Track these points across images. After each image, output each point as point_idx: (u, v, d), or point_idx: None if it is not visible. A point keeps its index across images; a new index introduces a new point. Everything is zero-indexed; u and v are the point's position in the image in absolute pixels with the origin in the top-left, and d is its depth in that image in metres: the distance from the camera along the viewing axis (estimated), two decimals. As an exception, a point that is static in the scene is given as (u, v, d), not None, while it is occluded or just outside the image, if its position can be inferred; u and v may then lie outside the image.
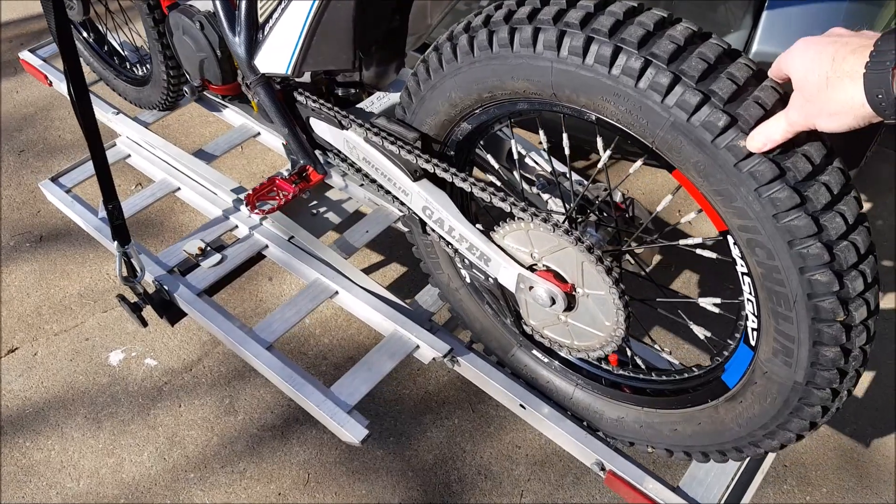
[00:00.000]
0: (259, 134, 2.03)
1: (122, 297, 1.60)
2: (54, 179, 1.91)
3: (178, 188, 1.88)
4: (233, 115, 2.07)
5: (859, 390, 1.81)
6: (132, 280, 1.59)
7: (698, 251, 1.02)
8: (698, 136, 0.81)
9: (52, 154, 2.58)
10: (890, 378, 1.84)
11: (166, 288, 1.61)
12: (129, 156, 1.98)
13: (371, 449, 1.73)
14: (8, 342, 1.98)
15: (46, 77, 2.20)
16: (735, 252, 0.90)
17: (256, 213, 1.45)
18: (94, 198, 2.27)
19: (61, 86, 2.18)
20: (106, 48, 2.10)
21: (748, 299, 0.93)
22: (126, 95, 2.09)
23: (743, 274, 0.91)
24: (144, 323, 1.63)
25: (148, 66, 1.97)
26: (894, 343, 1.91)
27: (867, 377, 1.84)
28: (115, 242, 1.54)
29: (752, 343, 0.96)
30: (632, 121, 0.86)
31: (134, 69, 2.06)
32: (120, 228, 1.54)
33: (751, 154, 0.79)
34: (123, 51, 2.09)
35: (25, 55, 2.27)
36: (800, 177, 0.79)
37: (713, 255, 1.01)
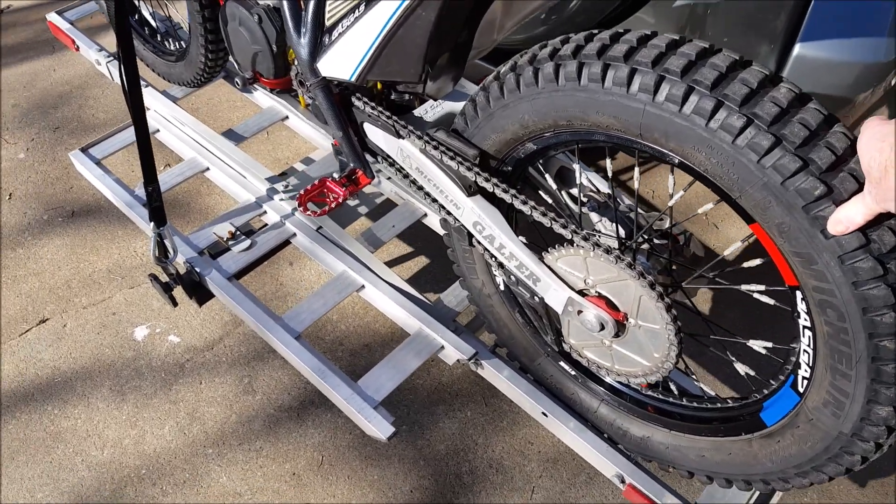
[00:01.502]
0: (287, 117, 1.94)
1: (153, 277, 1.53)
2: (84, 150, 1.80)
3: (208, 168, 1.79)
4: (262, 98, 1.97)
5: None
6: (164, 260, 1.52)
7: (756, 295, 0.99)
8: (790, 200, 0.77)
9: (87, 131, 2.47)
10: None
11: (197, 270, 1.54)
12: (158, 131, 1.88)
13: (384, 436, 1.70)
14: (39, 313, 1.90)
15: (74, 41, 2.06)
16: (801, 307, 0.87)
17: (310, 214, 1.38)
18: (123, 174, 2.17)
19: (89, 52, 2.04)
20: (137, 17, 1.96)
21: (805, 350, 0.91)
22: (155, 67, 1.96)
23: (804, 327, 0.89)
24: (175, 303, 1.56)
25: (182, 42, 1.85)
26: None
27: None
28: (152, 224, 1.46)
29: (801, 390, 0.94)
30: (721, 173, 0.82)
31: (165, 42, 1.93)
32: (157, 210, 1.46)
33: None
34: (155, 21, 1.96)
35: (53, 17, 2.12)
36: (885, 249, 0.76)
37: (772, 302, 0.98)
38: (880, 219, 0.75)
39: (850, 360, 0.83)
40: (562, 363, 1.33)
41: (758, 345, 1.02)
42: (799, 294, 0.86)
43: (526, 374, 1.41)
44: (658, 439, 1.20)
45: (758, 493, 1.24)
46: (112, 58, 2.00)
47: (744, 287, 0.97)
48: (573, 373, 1.32)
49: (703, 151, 0.82)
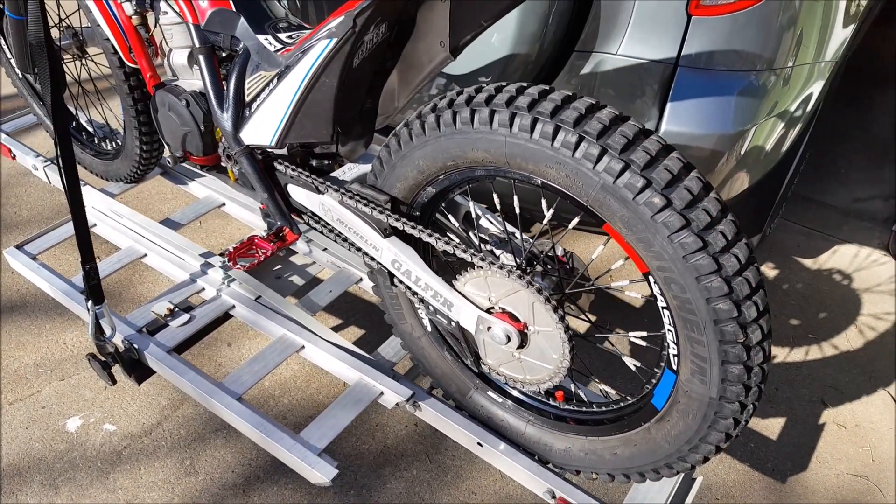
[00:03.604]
0: (224, 204, 2.16)
1: (92, 356, 1.66)
2: (19, 247, 1.96)
3: (145, 255, 1.97)
4: (198, 188, 2.20)
5: (775, 431, 2.03)
6: (102, 339, 1.66)
7: (627, 293, 1.22)
8: (622, 195, 1.02)
9: (9, 230, 2.62)
10: (801, 418, 2.07)
11: (136, 347, 1.68)
12: (95, 225, 2.07)
13: (332, 502, 1.80)
14: (-38, 413, 1.96)
15: (10, 151, 2.28)
16: (655, 289, 1.10)
17: (238, 268, 1.57)
18: (57, 266, 2.32)
19: (26, 158, 2.26)
20: (74, 124, 2.21)
21: (668, 329, 1.13)
22: (92, 169, 2.19)
23: (662, 308, 1.11)
24: (114, 381, 1.69)
25: (118, 141, 2.10)
26: (805, 389, 2.17)
27: (781, 419, 2.07)
28: (89, 302, 1.62)
29: (675, 367, 1.16)
30: (570, 184, 1.07)
31: (102, 144, 2.18)
32: (95, 289, 1.62)
33: (664, 208, 1.00)
34: (91, 127, 2.21)
35: (-10, 131, 2.35)
36: (702, 226, 1.01)
37: (638, 296, 1.21)
38: (696, 200, 1.01)
39: (699, 326, 1.06)
40: (490, 393, 1.52)
41: (636, 335, 1.24)
42: (651, 278, 1.10)
43: (461, 410, 1.58)
44: (578, 447, 1.38)
45: (672, 494, 1.41)
46: (50, 162, 2.22)
47: (613, 285, 1.20)
48: (500, 399, 1.50)
49: (554, 168, 1.07)
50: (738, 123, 1.67)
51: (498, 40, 1.66)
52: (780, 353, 2.28)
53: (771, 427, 2.05)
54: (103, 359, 1.68)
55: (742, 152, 1.72)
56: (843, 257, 2.71)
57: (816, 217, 2.91)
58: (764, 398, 2.09)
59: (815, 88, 1.84)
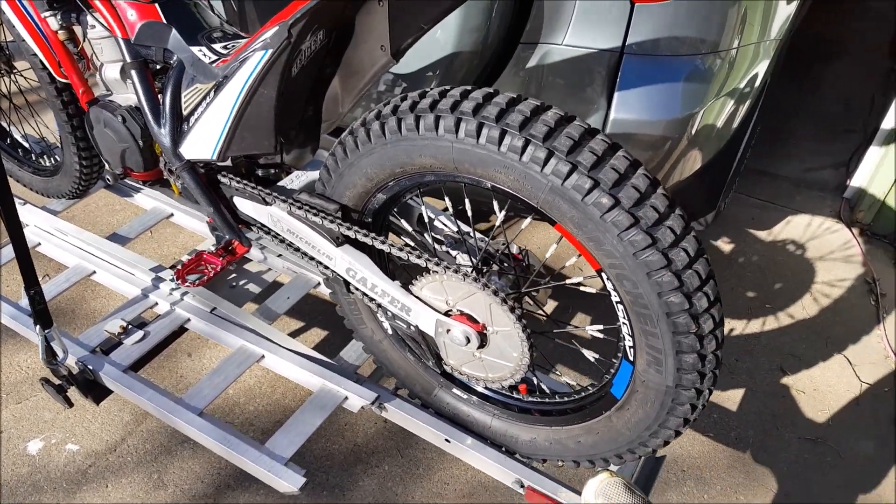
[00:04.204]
0: (172, 215, 2.10)
1: (45, 381, 1.61)
2: (-40, 271, 1.88)
3: (94, 272, 1.91)
4: (145, 199, 2.13)
5: (736, 401, 2.09)
6: (55, 362, 1.61)
7: (581, 288, 1.23)
8: (571, 196, 1.02)
9: None
10: (761, 387, 2.14)
11: (90, 368, 1.64)
12: (39, 244, 1.99)
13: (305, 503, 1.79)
14: (-84, 444, 1.89)
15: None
16: (609, 285, 1.11)
17: (187, 286, 1.53)
18: (5, 287, 2.23)
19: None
20: (8, 141, 2.12)
21: (623, 322, 1.14)
22: (32, 186, 2.10)
23: (616, 302, 1.12)
24: (70, 403, 1.64)
25: (56, 157, 2.01)
26: (764, 358, 2.23)
27: (742, 389, 2.13)
28: (38, 326, 1.56)
29: (631, 358, 1.17)
30: (519, 187, 1.06)
31: (40, 160, 2.09)
32: (42, 313, 1.57)
33: (613, 207, 1.00)
34: (27, 143, 2.12)
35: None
36: (650, 223, 1.02)
37: (593, 291, 1.22)
38: (643, 198, 1.01)
39: (652, 319, 1.07)
40: (455, 390, 1.52)
41: (593, 329, 1.25)
42: (604, 275, 1.10)
43: (427, 408, 1.58)
44: (543, 438, 1.39)
45: (633, 477, 1.44)
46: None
47: (567, 282, 1.21)
48: (465, 396, 1.50)
49: (502, 172, 1.06)
50: (686, 107, 1.68)
51: (442, 37, 1.63)
52: (739, 325, 2.34)
53: (733, 397, 2.10)
54: (58, 382, 1.64)
55: (692, 134, 1.73)
56: (796, 227, 2.78)
57: (769, 189, 2.98)
58: (724, 369, 2.15)
59: (762, 67, 1.87)
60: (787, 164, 3.15)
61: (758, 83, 1.90)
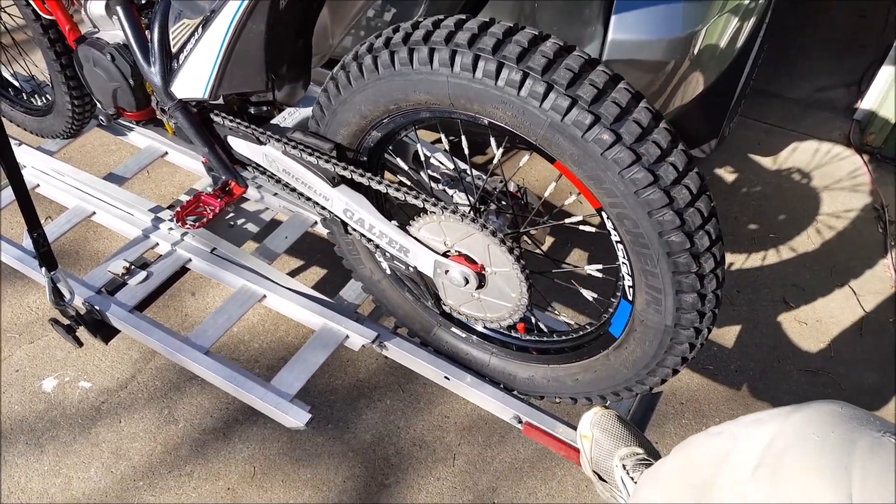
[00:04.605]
0: (167, 153, 2.07)
1: (54, 321, 1.63)
2: (-39, 214, 1.87)
3: (94, 213, 1.89)
4: (139, 138, 2.09)
5: (737, 333, 2.08)
6: (62, 303, 1.62)
7: (581, 227, 1.20)
8: (571, 133, 0.98)
9: None
10: (763, 319, 2.13)
11: (97, 308, 1.65)
12: (38, 186, 1.97)
13: (311, 437, 1.83)
14: (-64, 383, 1.93)
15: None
16: (608, 224, 1.08)
17: (188, 228, 1.52)
18: (8, 229, 2.23)
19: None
20: (-1, 80, 2.06)
21: (623, 262, 1.12)
22: (25, 126, 2.06)
23: (616, 242, 1.10)
24: (80, 343, 1.66)
25: (48, 96, 1.96)
26: (766, 290, 2.21)
27: (744, 321, 2.12)
28: (43, 269, 1.56)
29: (630, 298, 1.16)
30: (517, 123, 1.02)
31: (32, 100, 2.03)
32: (46, 255, 1.56)
33: (614, 144, 0.96)
34: (17, 81, 2.06)
35: None
36: (652, 160, 0.98)
37: (593, 230, 1.19)
38: (645, 133, 0.97)
39: (653, 259, 1.05)
40: (454, 329, 1.52)
41: (592, 269, 1.23)
42: (604, 214, 1.07)
43: (426, 346, 1.59)
44: (541, 375, 1.40)
45: (631, 412, 1.46)
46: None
47: (566, 221, 1.18)
48: (464, 335, 1.51)
49: (500, 108, 1.02)
50: (687, 25, 1.59)
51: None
52: (741, 257, 2.31)
53: (733, 330, 2.10)
54: (66, 322, 1.65)
55: (695, 54, 1.65)
56: (804, 153, 2.70)
57: (777, 111, 2.87)
58: (725, 301, 2.14)
59: (768, -21, 1.76)
60: (795, 84, 3.03)
61: (764, -4, 1.79)
